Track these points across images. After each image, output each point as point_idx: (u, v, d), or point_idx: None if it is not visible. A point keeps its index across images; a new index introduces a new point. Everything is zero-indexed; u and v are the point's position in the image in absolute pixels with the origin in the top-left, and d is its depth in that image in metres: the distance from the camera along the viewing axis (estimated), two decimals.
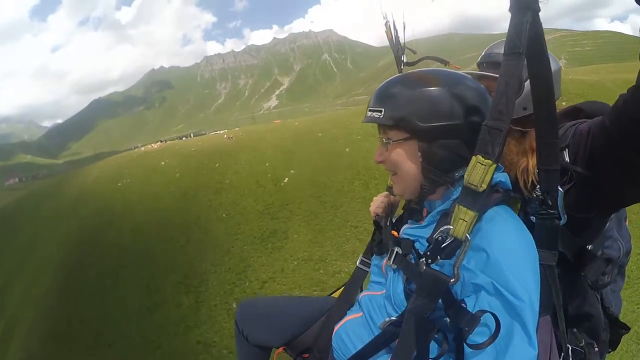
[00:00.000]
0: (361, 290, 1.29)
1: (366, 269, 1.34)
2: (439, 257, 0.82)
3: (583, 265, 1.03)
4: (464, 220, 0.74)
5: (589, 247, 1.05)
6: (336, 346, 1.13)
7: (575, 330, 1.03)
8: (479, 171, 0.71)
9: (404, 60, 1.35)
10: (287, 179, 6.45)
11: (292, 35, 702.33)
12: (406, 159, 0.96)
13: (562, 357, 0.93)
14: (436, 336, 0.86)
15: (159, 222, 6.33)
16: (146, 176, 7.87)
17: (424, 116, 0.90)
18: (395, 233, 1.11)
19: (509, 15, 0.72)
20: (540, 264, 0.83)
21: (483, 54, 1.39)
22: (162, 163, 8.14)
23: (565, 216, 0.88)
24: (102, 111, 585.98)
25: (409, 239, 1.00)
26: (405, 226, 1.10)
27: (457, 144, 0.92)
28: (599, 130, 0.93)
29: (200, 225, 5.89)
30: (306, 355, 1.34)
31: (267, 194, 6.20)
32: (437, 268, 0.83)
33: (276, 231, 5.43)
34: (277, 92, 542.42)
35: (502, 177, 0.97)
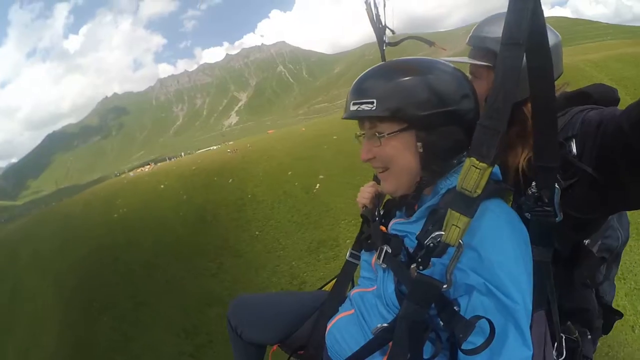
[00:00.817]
0: (352, 284, 1.30)
1: (356, 261, 1.31)
2: (430, 263, 0.80)
3: (577, 262, 1.02)
4: (456, 226, 0.69)
5: (586, 241, 1.04)
6: (330, 345, 1.11)
7: (569, 322, 1.02)
8: (474, 175, 0.66)
9: (386, 41, 1.30)
10: (318, 185, 5.94)
11: (244, 50, 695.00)
12: (403, 152, 0.92)
13: (555, 347, 0.92)
14: (430, 335, 0.84)
15: (177, 252, 5.62)
16: (146, 203, 7.09)
17: (422, 104, 0.87)
18: (383, 228, 1.07)
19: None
20: (535, 260, 0.82)
21: (473, 32, 1.22)
22: (162, 186, 7.38)
23: (562, 214, 0.84)
24: (57, 145, 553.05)
25: (397, 235, 0.98)
26: (393, 221, 1.06)
27: (454, 130, 0.90)
28: (613, 127, 0.85)
29: (230, 247, 5.26)
30: (301, 352, 1.31)
31: (301, 203, 5.72)
32: (428, 271, 0.82)
33: (324, 240, 4.91)
34: (236, 108, 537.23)
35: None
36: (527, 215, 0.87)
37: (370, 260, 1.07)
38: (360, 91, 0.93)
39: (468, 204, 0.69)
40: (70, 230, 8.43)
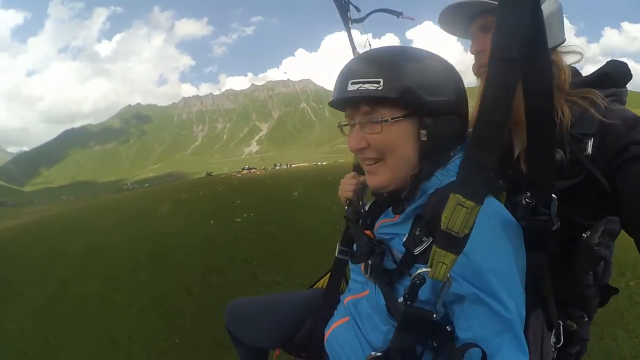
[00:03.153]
0: (346, 281, 1.28)
1: (345, 257, 1.28)
2: (419, 297, 0.75)
3: (575, 258, 0.99)
4: (444, 263, 0.63)
5: (585, 234, 0.99)
6: (330, 354, 1.07)
7: (567, 321, 1.00)
8: (460, 215, 0.59)
9: (351, 18, 1.25)
10: None
11: (270, 82, 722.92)
12: (404, 140, 0.86)
13: (553, 334, 0.90)
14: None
15: None
16: (281, 211, 5.58)
17: (430, 89, 0.83)
18: (369, 233, 0.99)
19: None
20: (531, 264, 0.79)
21: None
22: (295, 194, 6.07)
23: (559, 222, 0.79)
24: (74, 142, 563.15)
25: (383, 239, 0.94)
26: (379, 222, 1.00)
27: (455, 119, 0.87)
28: (635, 184, 0.82)
29: None
30: (304, 354, 1.30)
31: None
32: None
33: None
34: (257, 137, 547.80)
35: None
36: (522, 223, 0.81)
37: (360, 266, 0.99)
38: (360, 70, 0.86)
39: (455, 243, 0.61)
40: (157, 227, 6.96)
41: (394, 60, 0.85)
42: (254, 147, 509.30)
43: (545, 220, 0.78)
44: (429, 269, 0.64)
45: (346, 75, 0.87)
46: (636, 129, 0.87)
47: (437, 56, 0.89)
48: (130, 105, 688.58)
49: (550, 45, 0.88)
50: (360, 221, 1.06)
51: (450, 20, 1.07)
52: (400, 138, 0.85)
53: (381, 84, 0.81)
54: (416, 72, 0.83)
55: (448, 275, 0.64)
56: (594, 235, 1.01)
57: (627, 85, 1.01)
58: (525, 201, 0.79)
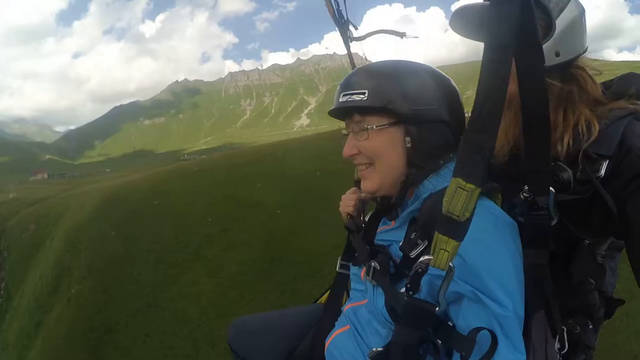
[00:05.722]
0: (347, 295, 1.30)
1: (347, 272, 1.28)
2: (420, 287, 0.78)
3: (574, 262, 1.01)
4: (445, 250, 0.60)
5: (587, 241, 0.99)
6: None
7: (570, 320, 1.01)
8: (461, 198, 0.57)
9: (351, 36, 1.28)
10: None
11: (315, 57, 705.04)
12: (389, 146, 0.94)
13: (557, 339, 0.90)
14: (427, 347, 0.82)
15: None
16: None
17: (413, 99, 0.91)
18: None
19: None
20: (530, 262, 0.81)
21: None
22: None
23: (556, 218, 0.83)
24: (124, 117, 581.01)
25: (384, 245, 1.00)
26: (378, 229, 1.08)
27: (442, 128, 0.94)
28: None
29: None
30: None
31: None
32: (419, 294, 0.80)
33: None
34: (306, 110, 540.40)
35: None
36: (520, 219, 0.84)
37: (359, 273, 1.07)
38: (350, 83, 0.95)
39: (456, 228, 0.59)
40: None
41: (380, 73, 0.94)
42: (304, 121, 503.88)
43: (543, 214, 0.78)
44: (431, 257, 0.62)
45: (340, 88, 0.96)
46: None
47: (427, 67, 0.96)
48: (177, 80, 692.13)
49: (572, 54, 0.94)
50: (361, 230, 1.10)
51: (463, 22, 1.07)
52: (386, 145, 0.92)
53: (366, 94, 0.89)
54: (399, 83, 0.90)
55: (450, 264, 0.61)
56: (600, 246, 1.01)
57: None
58: (524, 195, 0.79)
